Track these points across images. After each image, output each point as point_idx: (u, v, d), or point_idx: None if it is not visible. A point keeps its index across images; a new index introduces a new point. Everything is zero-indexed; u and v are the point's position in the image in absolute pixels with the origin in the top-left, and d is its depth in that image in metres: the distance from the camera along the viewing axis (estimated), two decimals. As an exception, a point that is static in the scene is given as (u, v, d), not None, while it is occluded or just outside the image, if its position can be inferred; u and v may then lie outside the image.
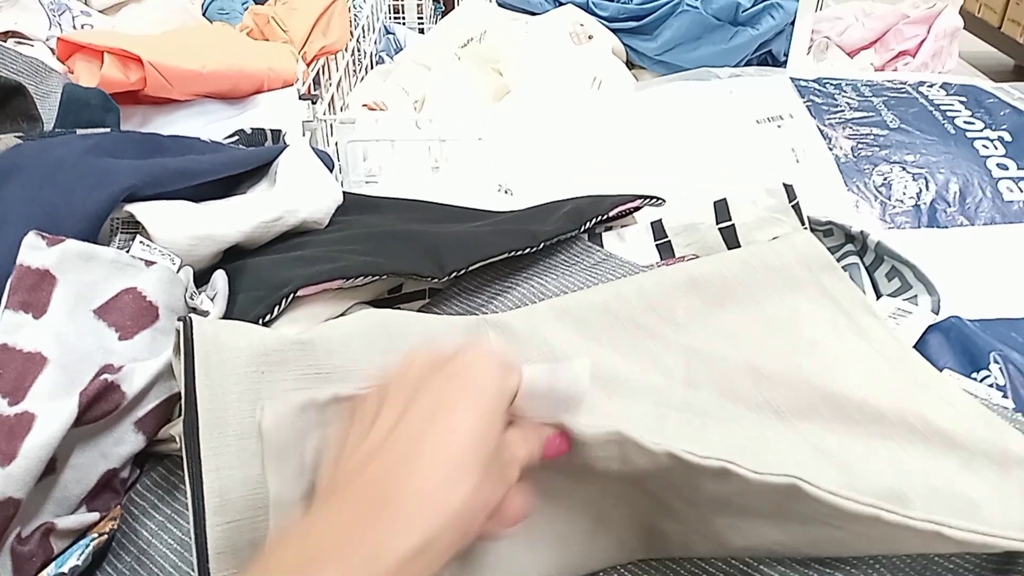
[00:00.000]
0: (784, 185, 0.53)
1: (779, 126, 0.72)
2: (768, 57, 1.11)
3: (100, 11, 1.09)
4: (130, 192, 0.51)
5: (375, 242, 0.59)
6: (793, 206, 0.53)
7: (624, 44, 1.09)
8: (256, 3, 1.20)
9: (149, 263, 0.49)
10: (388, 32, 1.45)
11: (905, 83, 0.78)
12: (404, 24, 1.61)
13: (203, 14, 1.19)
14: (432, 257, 0.56)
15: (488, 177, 0.83)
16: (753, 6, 1.02)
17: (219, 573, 0.35)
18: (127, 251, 0.49)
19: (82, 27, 1.03)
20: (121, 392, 0.41)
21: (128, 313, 0.46)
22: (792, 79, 0.80)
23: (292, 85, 0.97)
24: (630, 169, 0.74)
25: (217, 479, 0.37)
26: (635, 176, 0.72)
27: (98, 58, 0.85)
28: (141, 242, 0.49)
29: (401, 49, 1.44)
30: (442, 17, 1.51)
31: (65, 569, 0.38)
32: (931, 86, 0.78)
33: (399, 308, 0.60)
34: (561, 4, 1.12)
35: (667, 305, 0.49)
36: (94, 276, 0.46)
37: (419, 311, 0.60)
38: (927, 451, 0.42)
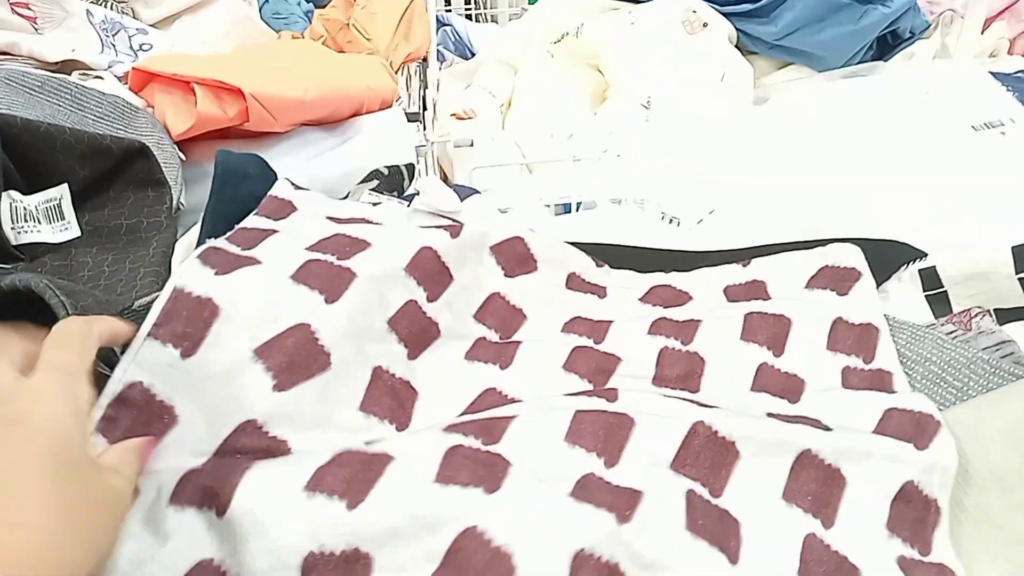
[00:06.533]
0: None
1: (1003, 133, 0.64)
2: (889, 37, 1.02)
3: (151, 25, 0.98)
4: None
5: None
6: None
7: (737, 29, 0.99)
8: (316, 7, 1.08)
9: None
10: (443, 24, 1.34)
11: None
12: (451, 12, 1.49)
13: (260, 21, 1.07)
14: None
15: (641, 202, 0.74)
16: (886, -19, 0.92)
17: None
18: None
19: (140, 47, 0.92)
20: None
21: None
22: (994, 74, 0.70)
23: (390, 104, 0.87)
24: (824, 188, 0.65)
25: None
26: (838, 195, 0.63)
27: (181, 88, 0.75)
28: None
29: (460, 41, 1.33)
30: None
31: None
32: None
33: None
34: (667, -11, 1.02)
35: None
36: None
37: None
38: None
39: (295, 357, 0.40)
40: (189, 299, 0.39)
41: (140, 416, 0.36)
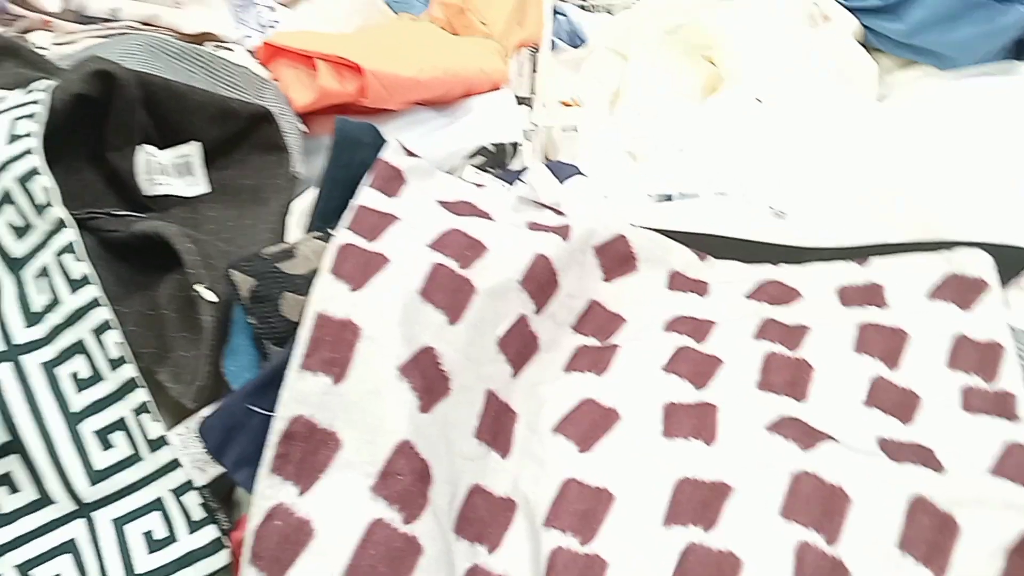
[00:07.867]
0: None
1: None
2: (1030, 36, 0.95)
3: (280, 4, 1.03)
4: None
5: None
6: None
7: (863, 26, 0.95)
8: (435, -10, 1.11)
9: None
10: (558, 14, 1.34)
11: None
12: (566, 1, 1.49)
13: (382, 4, 1.10)
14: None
15: (747, 195, 0.72)
16: (1028, -22, 0.87)
17: None
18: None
19: (268, 24, 0.97)
20: None
21: None
22: None
23: (500, 87, 0.88)
24: (943, 190, 0.62)
25: None
26: (958, 198, 0.60)
27: (305, 64, 0.78)
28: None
29: (573, 31, 1.33)
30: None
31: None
32: None
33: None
34: (789, -19, 0.99)
35: None
36: None
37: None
38: None
39: (427, 380, 0.42)
40: (331, 323, 0.40)
41: (308, 446, 0.38)
